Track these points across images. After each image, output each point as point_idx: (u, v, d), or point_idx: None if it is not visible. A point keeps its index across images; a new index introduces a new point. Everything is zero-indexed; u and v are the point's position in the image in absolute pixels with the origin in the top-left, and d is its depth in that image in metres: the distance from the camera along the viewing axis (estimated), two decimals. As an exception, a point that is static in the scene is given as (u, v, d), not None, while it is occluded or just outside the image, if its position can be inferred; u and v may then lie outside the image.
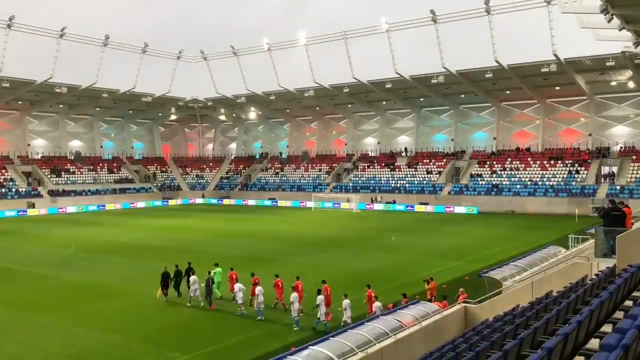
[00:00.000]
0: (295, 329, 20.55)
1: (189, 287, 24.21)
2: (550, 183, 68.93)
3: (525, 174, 72.55)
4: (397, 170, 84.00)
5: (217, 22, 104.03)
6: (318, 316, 20.57)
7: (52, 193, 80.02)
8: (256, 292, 22.31)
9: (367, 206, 75.48)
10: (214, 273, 25.23)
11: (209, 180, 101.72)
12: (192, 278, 24.27)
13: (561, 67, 63.67)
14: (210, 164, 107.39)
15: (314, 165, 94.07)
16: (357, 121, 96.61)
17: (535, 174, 71.73)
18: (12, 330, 21.07)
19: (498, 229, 51.54)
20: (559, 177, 69.37)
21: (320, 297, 20.65)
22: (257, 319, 21.80)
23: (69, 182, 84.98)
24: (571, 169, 69.80)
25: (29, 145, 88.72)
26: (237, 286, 23.17)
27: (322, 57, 79.54)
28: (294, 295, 20.80)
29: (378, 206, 75.40)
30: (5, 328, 21.34)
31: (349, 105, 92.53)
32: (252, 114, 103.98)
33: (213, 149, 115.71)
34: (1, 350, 18.70)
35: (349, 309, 20.46)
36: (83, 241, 45.12)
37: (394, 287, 26.05)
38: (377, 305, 20.15)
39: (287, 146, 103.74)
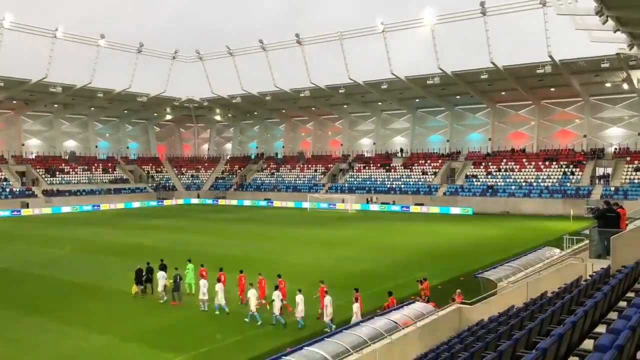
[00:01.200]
0: (273, 324, 20.93)
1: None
2: (545, 184, 69.12)
3: (520, 175, 72.71)
4: (392, 171, 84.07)
5: (213, 22, 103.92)
6: (274, 312, 21.03)
7: (47, 193, 79.72)
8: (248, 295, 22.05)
9: (362, 207, 75.44)
10: (187, 269, 26.14)
11: (204, 181, 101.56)
12: (160, 274, 25.22)
13: (556, 69, 63.88)
14: (206, 164, 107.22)
15: (310, 165, 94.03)
16: (353, 122, 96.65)
17: (530, 175, 71.91)
18: (6, 330, 20.96)
19: (493, 229, 51.62)
20: (554, 178, 69.56)
21: (277, 293, 21.09)
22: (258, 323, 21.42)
23: (63, 182, 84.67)
24: (566, 170, 70.02)
25: (23, 145, 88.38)
26: (202, 282, 23.70)
27: (318, 58, 79.65)
28: (276, 294, 21.05)
29: (374, 207, 75.44)
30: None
31: (345, 106, 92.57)
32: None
33: (208, 149, 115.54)
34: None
35: (301, 303, 20.76)
36: (77, 241, 44.94)
37: (388, 288, 26.03)
38: (328, 299, 20.40)
39: (283, 146, 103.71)
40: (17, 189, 78.29)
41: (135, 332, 20.66)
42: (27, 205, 74.41)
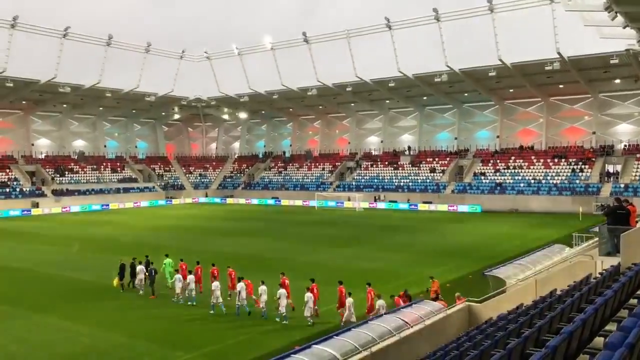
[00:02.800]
0: (284, 322, 21.25)
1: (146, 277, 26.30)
2: (554, 181, 68.79)
3: (528, 172, 72.41)
4: (400, 169, 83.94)
5: (220, 22, 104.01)
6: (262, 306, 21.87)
7: (56, 192, 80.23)
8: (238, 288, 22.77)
9: (370, 205, 75.43)
10: (164, 264, 27.50)
11: (212, 180, 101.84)
12: (138, 268, 26.56)
13: (565, 65, 63.51)
14: (214, 163, 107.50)
15: (317, 164, 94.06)
16: (360, 120, 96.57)
17: (539, 172, 71.59)
18: (16, 329, 21.15)
19: (501, 227, 51.46)
20: (563, 176, 69.20)
21: (282, 291, 21.62)
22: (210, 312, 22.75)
23: (72, 181, 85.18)
24: (575, 167, 69.64)
25: (32, 144, 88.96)
26: (178, 277, 24.77)
27: (325, 57, 79.52)
28: (282, 292, 21.35)
29: (381, 205, 75.37)
30: (10, 327, 21.41)
31: (352, 104, 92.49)
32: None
33: (216, 148, 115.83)
34: (6, 350, 18.77)
35: (264, 294, 21.68)
36: (87, 240, 45.24)
37: (397, 286, 26.02)
38: (380, 303, 20.23)
39: (290, 145, 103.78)
40: (27, 189, 78.85)
41: (145, 330, 20.78)
42: (37, 205, 74.94)
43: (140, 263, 27.20)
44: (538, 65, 65.54)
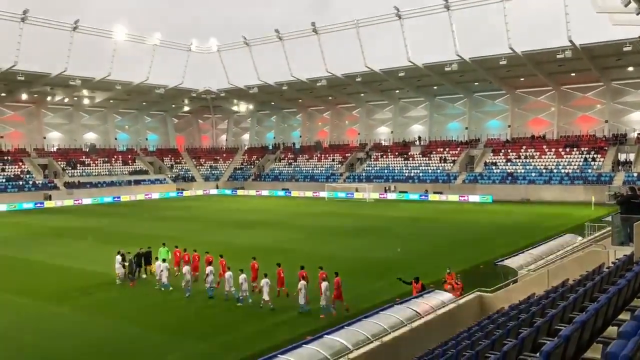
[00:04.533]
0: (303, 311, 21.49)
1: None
2: (566, 171, 68.28)
3: (540, 161, 71.93)
4: (410, 159, 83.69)
5: (229, 13, 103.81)
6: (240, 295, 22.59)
7: (68, 185, 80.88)
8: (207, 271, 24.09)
9: (380, 196, 75.38)
10: (160, 252, 28.22)
11: (223, 171, 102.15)
12: (117, 257, 27.19)
13: (576, 53, 62.81)
14: (224, 155, 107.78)
15: (327, 155, 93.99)
16: (370, 110, 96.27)
17: (551, 161, 71.08)
18: (32, 320, 21.42)
19: (513, 217, 51.22)
20: (575, 165, 68.68)
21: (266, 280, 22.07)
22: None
23: (84, 174, 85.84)
24: (587, 156, 69.07)
25: (44, 138, 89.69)
26: (162, 265, 25.72)
27: (335, 47, 79.22)
28: (302, 283, 21.49)
29: (392, 195, 75.27)
30: (26, 318, 21.69)
31: (362, 95, 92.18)
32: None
33: (226, 139, 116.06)
34: (22, 341, 19.03)
35: (245, 283, 22.40)
36: (99, 232, 45.63)
37: (411, 276, 26.03)
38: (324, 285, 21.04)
39: (300, 136, 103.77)
40: (40, 182, 79.56)
41: (159, 321, 20.96)
42: (49, 197, 75.64)
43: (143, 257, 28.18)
44: (549, 54, 64.89)
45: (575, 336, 7.55)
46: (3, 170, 78.38)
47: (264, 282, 21.87)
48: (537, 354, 6.97)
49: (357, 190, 77.22)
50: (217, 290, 23.80)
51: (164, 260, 26.59)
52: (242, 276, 22.54)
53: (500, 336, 10.24)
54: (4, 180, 76.42)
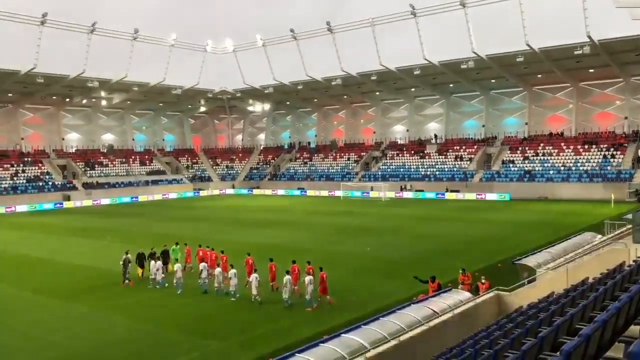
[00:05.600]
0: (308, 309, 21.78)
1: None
2: (585, 168, 67.45)
3: (558, 159, 71.14)
4: (426, 157, 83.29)
5: (245, 13, 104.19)
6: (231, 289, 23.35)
7: (87, 186, 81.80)
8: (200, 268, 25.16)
9: (396, 194, 75.12)
10: (172, 250, 29.21)
11: (239, 171, 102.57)
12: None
13: (595, 49, 61.99)
14: (240, 155, 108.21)
15: (342, 154, 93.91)
16: (386, 109, 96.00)
17: (569, 159, 70.25)
18: (50, 319, 21.70)
19: (531, 215, 50.74)
20: (594, 162, 67.81)
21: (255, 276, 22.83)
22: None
23: (102, 174, 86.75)
24: (606, 153, 68.16)
25: (63, 139, 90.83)
26: (158, 264, 26.25)
27: (350, 46, 79.09)
28: (287, 278, 22.05)
29: (408, 194, 74.97)
30: (44, 317, 21.98)
31: (377, 93, 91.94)
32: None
33: (242, 139, 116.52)
34: (44, 339, 19.28)
35: (234, 278, 23.17)
36: (117, 232, 46.08)
37: (425, 276, 25.94)
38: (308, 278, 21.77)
39: (315, 136, 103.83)
40: (59, 182, 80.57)
41: (175, 320, 21.10)
42: (68, 198, 76.59)
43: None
44: (567, 50, 64.11)
45: (596, 335, 7.45)
46: (23, 171, 79.51)
47: (253, 277, 22.63)
48: (557, 354, 6.88)
49: (372, 189, 77.06)
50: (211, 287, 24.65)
51: (176, 260, 27.34)
52: (232, 271, 23.43)
53: (519, 335, 10.15)
54: (24, 181, 77.54)
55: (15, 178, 77.34)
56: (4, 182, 75.70)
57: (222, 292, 23.85)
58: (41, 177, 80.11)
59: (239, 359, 16.84)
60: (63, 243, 41.74)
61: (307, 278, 21.77)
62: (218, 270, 24.25)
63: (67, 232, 47.98)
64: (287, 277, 22.00)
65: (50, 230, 49.57)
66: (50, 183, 79.43)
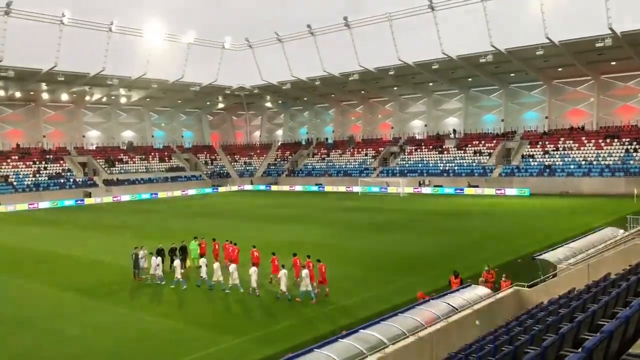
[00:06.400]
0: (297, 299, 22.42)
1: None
2: (606, 162, 66.46)
3: (579, 153, 70.19)
4: (445, 152, 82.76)
5: (261, 9, 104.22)
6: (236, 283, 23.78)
7: (107, 182, 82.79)
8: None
9: (414, 190, 74.80)
10: (190, 244, 29.68)
11: (257, 167, 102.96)
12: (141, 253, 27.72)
13: (617, 41, 60.93)
14: (258, 151, 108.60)
15: (360, 149, 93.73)
16: (403, 104, 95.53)
17: (590, 153, 69.29)
18: (74, 314, 22.02)
19: (551, 210, 50.18)
20: (616, 156, 66.77)
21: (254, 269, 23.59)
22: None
23: (122, 171, 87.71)
24: (629, 147, 67.06)
25: (84, 136, 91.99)
26: (157, 259, 26.45)
27: (367, 41, 78.77)
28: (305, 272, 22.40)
29: (426, 190, 74.60)
30: (69, 312, 22.33)
31: (395, 88, 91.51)
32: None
33: (260, 136, 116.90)
34: (65, 333, 19.59)
35: (235, 272, 23.70)
36: (137, 229, 46.56)
37: (445, 271, 25.83)
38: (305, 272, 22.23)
39: (333, 131, 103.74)
40: (80, 179, 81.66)
41: (194, 316, 21.26)
42: (89, 195, 77.63)
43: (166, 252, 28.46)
44: (588, 43, 63.12)
45: (619, 332, 7.35)
46: (45, 168, 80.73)
47: (282, 272, 22.80)
48: (579, 350, 6.80)
49: (387, 184, 76.74)
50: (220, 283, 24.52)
51: (196, 257, 27.87)
52: (233, 266, 24.13)
53: (540, 331, 10.06)
54: (46, 178, 78.74)
55: (37, 175, 78.58)
56: (27, 179, 76.98)
57: (218, 286, 24.30)
58: (62, 174, 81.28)
59: (257, 354, 16.92)
60: (84, 239, 42.29)
61: (304, 272, 22.28)
62: (216, 265, 24.94)
63: (88, 228, 48.61)
64: (283, 271, 22.67)
65: (72, 227, 50.26)
66: (71, 180, 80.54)
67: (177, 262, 26.02)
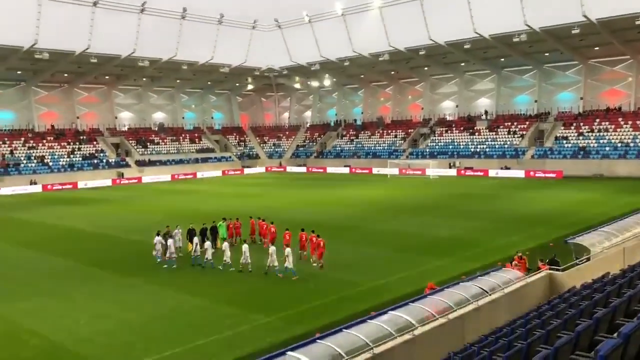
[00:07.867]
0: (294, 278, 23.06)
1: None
2: (644, 144, 64.65)
3: (615, 135, 68.36)
4: (476, 134, 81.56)
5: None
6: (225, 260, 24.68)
7: (139, 163, 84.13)
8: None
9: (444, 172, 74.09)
10: (219, 225, 29.81)
11: (286, 149, 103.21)
12: (156, 239, 27.37)
13: (658, 18, 58.80)
14: (287, 133, 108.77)
15: (389, 131, 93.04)
16: (434, 84, 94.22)
17: (627, 135, 67.40)
18: (107, 291, 22.57)
19: (585, 193, 49.14)
20: (654, 138, 64.87)
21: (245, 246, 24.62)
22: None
23: (154, 152, 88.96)
24: (668, 128, 65.06)
25: (116, 117, 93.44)
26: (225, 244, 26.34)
27: (397, 20, 77.68)
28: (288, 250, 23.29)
29: (454, 172, 73.77)
30: (99, 289, 22.89)
31: (425, 68, 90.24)
32: (327, 82, 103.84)
33: (289, 117, 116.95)
34: (97, 310, 20.09)
35: (247, 252, 24.31)
36: (169, 209, 47.30)
37: (477, 254, 25.62)
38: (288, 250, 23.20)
39: (362, 113, 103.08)
40: (113, 160, 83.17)
41: (225, 294, 21.56)
42: (122, 175, 79.06)
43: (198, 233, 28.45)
44: (627, 20, 61.04)
45: (656, 318, 7.17)
46: (79, 149, 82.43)
47: (287, 251, 23.30)
48: (615, 335, 6.66)
49: (409, 167, 75.99)
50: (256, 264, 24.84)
51: (224, 239, 28.13)
52: (245, 246, 24.75)
53: (573, 316, 9.90)
54: (80, 158, 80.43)
55: (72, 156, 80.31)
56: (62, 159, 78.74)
57: (228, 267, 24.70)
58: (96, 154, 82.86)
59: (286, 333, 17.08)
60: (116, 219, 43.16)
61: (287, 250, 23.16)
62: (225, 244, 25.69)
63: (121, 208, 49.59)
64: (288, 250, 23.23)
65: (106, 207, 51.33)
66: (104, 160, 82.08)
67: (207, 244, 26.20)
